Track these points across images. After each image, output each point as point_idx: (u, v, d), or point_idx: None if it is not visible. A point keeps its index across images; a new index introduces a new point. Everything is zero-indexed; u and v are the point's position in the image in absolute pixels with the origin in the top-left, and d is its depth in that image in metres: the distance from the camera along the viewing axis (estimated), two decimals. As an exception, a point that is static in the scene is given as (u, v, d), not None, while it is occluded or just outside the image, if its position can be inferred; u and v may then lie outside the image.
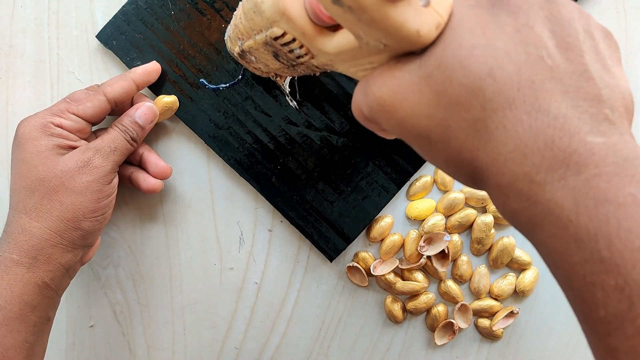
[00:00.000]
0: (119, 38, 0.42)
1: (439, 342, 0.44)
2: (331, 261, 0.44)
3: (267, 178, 0.43)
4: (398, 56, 0.22)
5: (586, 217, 0.18)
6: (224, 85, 0.42)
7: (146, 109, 0.39)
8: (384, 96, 0.22)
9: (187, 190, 0.44)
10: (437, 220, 0.43)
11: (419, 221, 0.44)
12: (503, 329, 0.44)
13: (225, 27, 0.42)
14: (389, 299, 0.44)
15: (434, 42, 0.21)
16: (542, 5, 0.21)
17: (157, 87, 0.42)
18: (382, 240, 0.44)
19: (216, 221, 0.44)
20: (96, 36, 0.43)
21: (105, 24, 0.42)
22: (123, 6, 0.42)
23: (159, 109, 0.40)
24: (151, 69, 0.41)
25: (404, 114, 0.21)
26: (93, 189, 0.35)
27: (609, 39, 0.22)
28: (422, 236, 0.43)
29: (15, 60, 0.44)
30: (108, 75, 0.44)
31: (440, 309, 0.44)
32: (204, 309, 0.45)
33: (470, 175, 0.21)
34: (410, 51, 0.21)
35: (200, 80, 0.42)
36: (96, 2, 0.43)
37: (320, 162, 0.43)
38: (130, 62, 0.42)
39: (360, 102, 0.24)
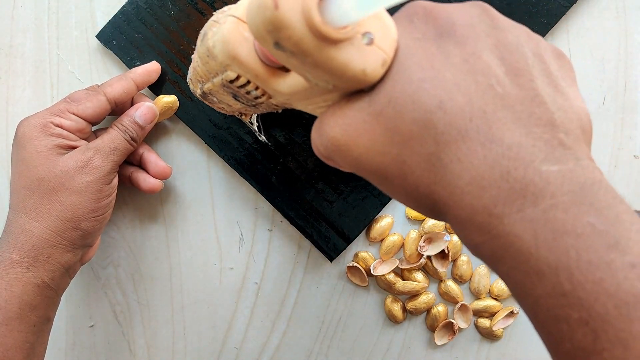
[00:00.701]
0: (119, 38, 0.42)
1: (439, 342, 0.44)
2: (331, 261, 0.44)
3: (267, 178, 0.43)
4: (348, 94, 0.22)
5: (546, 249, 0.18)
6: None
7: (146, 109, 0.39)
8: (336, 135, 0.21)
9: (187, 190, 0.44)
10: (437, 220, 0.43)
11: (419, 221, 0.44)
12: (503, 329, 0.44)
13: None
14: (389, 299, 0.44)
15: (382, 79, 0.20)
16: (489, 33, 0.20)
17: (157, 87, 0.42)
18: (382, 240, 0.44)
19: (216, 221, 0.44)
20: (96, 36, 0.43)
21: (105, 24, 0.42)
22: (123, 6, 0.42)
23: (159, 109, 0.40)
24: (151, 69, 0.41)
25: (358, 152, 0.21)
26: (93, 189, 0.35)
27: (560, 60, 0.22)
28: (422, 236, 0.43)
29: (15, 60, 0.44)
30: (108, 75, 0.44)
31: (440, 309, 0.44)
32: (204, 309, 0.45)
33: (431, 208, 0.21)
34: (360, 89, 0.21)
35: (200, 80, 0.42)
36: (96, 2, 0.43)
37: (320, 162, 0.43)
38: (130, 62, 0.42)
39: (317, 142, 0.23)
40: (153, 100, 0.41)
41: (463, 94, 0.19)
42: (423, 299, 0.44)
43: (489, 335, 0.44)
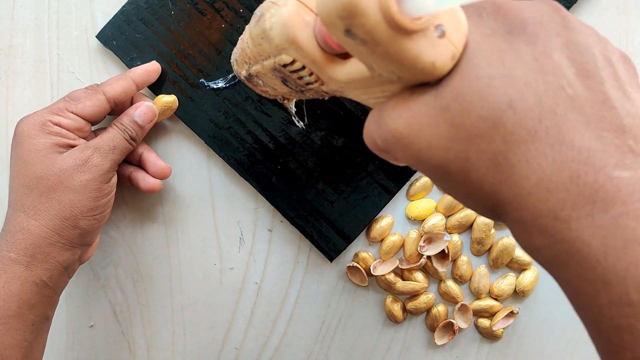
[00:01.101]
0: (119, 38, 0.42)
1: (439, 342, 0.44)
2: (331, 261, 0.44)
3: (267, 178, 0.43)
4: (412, 86, 0.21)
5: (615, 257, 0.17)
6: (222, 84, 0.42)
7: (145, 109, 0.39)
8: (399, 128, 0.21)
9: (187, 190, 0.44)
10: (437, 220, 0.43)
11: (419, 221, 0.44)
12: (503, 329, 0.44)
13: (226, 28, 0.42)
14: (389, 299, 0.44)
15: (449, 73, 0.20)
16: (560, 32, 0.20)
17: (157, 87, 0.42)
18: (382, 240, 0.44)
19: (216, 221, 0.44)
20: (96, 36, 0.43)
21: (105, 24, 0.42)
22: (123, 6, 0.42)
23: (159, 109, 0.40)
24: (151, 68, 0.41)
25: (419, 147, 0.21)
26: (91, 187, 0.35)
27: (627, 64, 0.21)
28: (422, 236, 0.43)
29: (15, 60, 0.44)
30: (108, 75, 0.44)
31: (440, 309, 0.44)
32: (204, 309, 0.45)
33: (491, 208, 0.21)
34: (425, 82, 0.21)
35: (200, 80, 0.42)
36: (96, 2, 0.43)
37: (321, 162, 0.43)
38: (130, 62, 0.42)
39: (374, 134, 0.23)
40: (152, 100, 0.41)
41: (533, 93, 0.19)
42: (423, 299, 0.44)
43: (489, 335, 0.44)
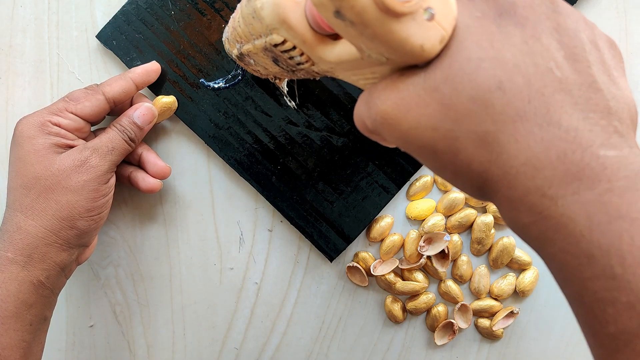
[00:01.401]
0: (119, 38, 0.42)
1: (439, 342, 0.44)
2: (331, 261, 0.44)
3: (267, 178, 0.43)
4: (401, 69, 0.22)
5: (599, 232, 0.18)
6: (222, 84, 0.42)
7: (145, 110, 0.39)
8: (387, 109, 0.22)
9: (187, 190, 0.44)
10: (437, 220, 0.43)
11: (419, 221, 0.44)
12: (503, 329, 0.44)
13: (226, 28, 0.42)
14: (389, 299, 0.44)
15: (439, 55, 0.20)
16: (549, 16, 0.21)
17: (157, 87, 0.42)
18: (382, 240, 0.44)
19: (216, 221, 0.44)
20: (96, 36, 0.43)
21: (105, 24, 0.42)
22: (123, 6, 0.42)
23: (158, 110, 0.40)
24: (150, 69, 0.41)
25: (407, 126, 0.21)
26: (89, 188, 0.35)
27: (613, 49, 0.22)
28: (422, 236, 0.43)
29: (15, 60, 0.44)
30: (108, 75, 0.44)
31: (440, 309, 0.44)
32: (204, 309, 0.45)
33: (479, 187, 0.21)
34: (414, 64, 0.21)
35: (201, 80, 0.42)
36: (96, 2, 0.43)
37: (320, 162, 0.43)
38: (130, 62, 0.42)
39: (363, 115, 0.23)
40: (152, 100, 0.41)
41: (522, 75, 0.19)
42: (423, 299, 0.44)
43: (489, 335, 0.44)
